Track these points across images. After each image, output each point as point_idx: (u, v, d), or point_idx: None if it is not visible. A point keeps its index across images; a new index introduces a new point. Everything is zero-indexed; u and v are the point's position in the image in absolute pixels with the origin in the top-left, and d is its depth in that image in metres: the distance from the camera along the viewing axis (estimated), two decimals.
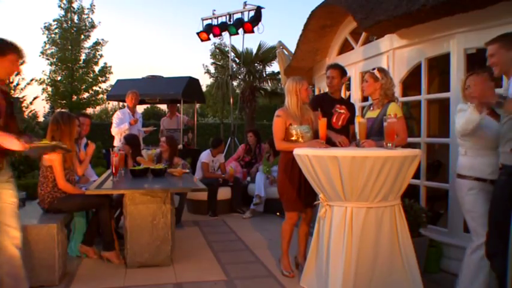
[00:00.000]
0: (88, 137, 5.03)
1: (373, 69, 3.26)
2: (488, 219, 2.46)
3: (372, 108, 3.34)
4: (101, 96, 16.88)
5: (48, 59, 15.76)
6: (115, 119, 6.18)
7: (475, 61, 3.09)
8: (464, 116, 2.57)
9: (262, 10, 8.08)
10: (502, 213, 2.29)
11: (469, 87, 2.68)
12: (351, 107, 3.89)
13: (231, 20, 8.32)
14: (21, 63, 2.69)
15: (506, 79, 2.52)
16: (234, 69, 13.09)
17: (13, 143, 2.41)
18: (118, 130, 6.04)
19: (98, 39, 16.60)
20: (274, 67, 14.22)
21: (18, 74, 3.05)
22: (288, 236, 3.47)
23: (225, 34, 8.62)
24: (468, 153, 2.76)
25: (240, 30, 8.34)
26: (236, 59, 13.24)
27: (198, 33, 8.57)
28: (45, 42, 15.70)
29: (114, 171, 4.09)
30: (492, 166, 2.63)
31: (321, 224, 2.95)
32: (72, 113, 3.94)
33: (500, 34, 2.44)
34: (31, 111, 15.29)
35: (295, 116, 3.34)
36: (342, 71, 3.82)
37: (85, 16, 16.19)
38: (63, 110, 6.22)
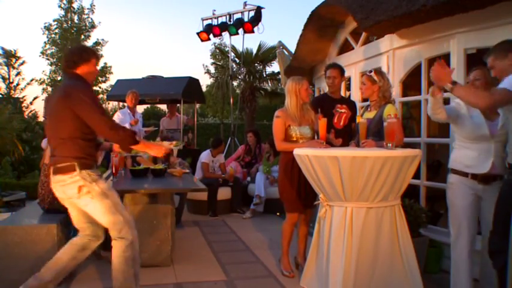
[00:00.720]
0: None
1: (370, 71, 3.26)
2: (493, 217, 2.47)
3: (369, 109, 3.34)
4: (101, 96, 16.89)
5: (48, 59, 15.78)
6: (115, 119, 6.17)
7: (475, 61, 3.08)
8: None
9: (262, 10, 8.09)
10: (507, 212, 2.29)
11: (476, 80, 2.70)
12: (352, 106, 3.89)
13: (231, 20, 8.33)
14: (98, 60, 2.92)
15: None
16: (234, 70, 13.08)
17: (159, 150, 2.81)
18: None
19: (98, 39, 16.62)
20: (274, 67, 14.22)
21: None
22: (289, 236, 3.47)
23: (225, 34, 8.63)
24: (455, 145, 2.84)
25: (240, 30, 8.34)
26: (236, 59, 13.24)
27: (198, 33, 8.57)
28: (45, 42, 15.73)
29: (114, 171, 4.09)
30: (469, 159, 2.68)
31: (321, 224, 2.95)
32: None
33: (495, 45, 2.47)
34: (31, 111, 15.32)
35: (294, 117, 3.33)
36: (341, 70, 3.83)
37: (85, 16, 16.21)
38: None
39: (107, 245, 3.69)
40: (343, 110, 3.78)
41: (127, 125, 5.96)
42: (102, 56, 16.67)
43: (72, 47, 2.83)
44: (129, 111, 6.21)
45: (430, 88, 2.60)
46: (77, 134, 2.55)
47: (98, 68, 2.70)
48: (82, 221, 2.74)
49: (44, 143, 4.27)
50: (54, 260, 2.70)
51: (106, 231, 3.67)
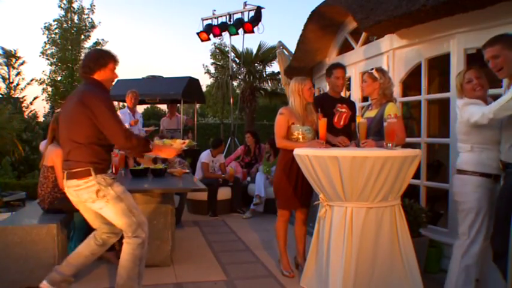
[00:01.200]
0: None
1: (372, 69, 3.26)
2: (495, 218, 2.46)
3: (370, 108, 3.34)
4: None
5: (48, 59, 15.78)
6: None
7: (475, 61, 3.08)
8: (477, 107, 2.49)
9: (262, 10, 8.09)
10: (507, 212, 2.28)
11: (472, 81, 2.65)
12: (351, 105, 3.89)
13: (231, 20, 8.33)
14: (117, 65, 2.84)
15: (507, 80, 2.50)
16: (234, 70, 13.09)
17: (170, 153, 2.80)
18: None
19: (98, 39, 16.63)
20: (274, 67, 14.25)
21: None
22: (283, 235, 3.47)
23: (225, 34, 8.63)
24: (474, 148, 2.66)
25: (240, 30, 8.34)
26: (236, 59, 13.25)
27: (198, 33, 8.58)
28: (45, 42, 15.73)
29: (114, 171, 4.08)
30: (498, 161, 2.58)
31: (321, 224, 2.95)
32: None
33: (498, 35, 2.42)
34: (31, 111, 15.34)
35: (298, 116, 3.36)
36: (345, 70, 3.84)
37: (85, 16, 16.20)
38: None
39: None
40: (343, 110, 3.78)
41: (127, 125, 5.98)
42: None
43: (90, 51, 2.84)
44: (129, 111, 6.21)
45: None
46: (92, 140, 2.55)
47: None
48: (98, 222, 2.79)
49: (42, 146, 4.27)
50: (75, 254, 2.76)
51: None
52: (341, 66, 3.78)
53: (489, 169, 2.61)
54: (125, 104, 6.44)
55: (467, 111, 2.59)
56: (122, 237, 3.88)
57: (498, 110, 2.32)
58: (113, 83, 2.90)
